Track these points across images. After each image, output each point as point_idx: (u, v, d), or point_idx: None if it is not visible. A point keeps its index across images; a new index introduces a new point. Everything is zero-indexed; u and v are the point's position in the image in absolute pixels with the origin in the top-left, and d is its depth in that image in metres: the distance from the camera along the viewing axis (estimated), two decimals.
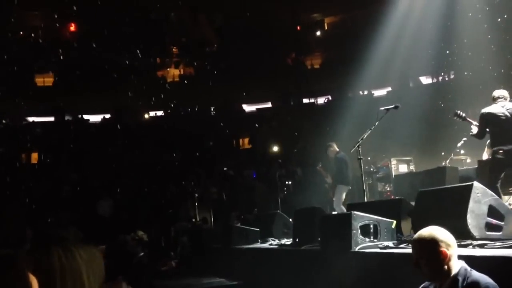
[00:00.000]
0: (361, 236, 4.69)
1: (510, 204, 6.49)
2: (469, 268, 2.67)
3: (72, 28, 24.07)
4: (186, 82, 23.93)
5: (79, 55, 21.79)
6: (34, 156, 18.41)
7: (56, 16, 22.22)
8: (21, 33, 22.78)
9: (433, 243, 2.67)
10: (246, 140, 21.76)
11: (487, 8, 12.38)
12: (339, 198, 9.32)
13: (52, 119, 21.43)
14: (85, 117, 21.59)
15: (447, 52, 14.83)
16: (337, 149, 9.76)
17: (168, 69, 25.04)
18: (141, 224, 9.51)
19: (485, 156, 8.04)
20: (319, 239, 5.47)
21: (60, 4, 20.76)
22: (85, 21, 22.75)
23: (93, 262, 1.54)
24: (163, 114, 22.55)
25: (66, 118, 21.37)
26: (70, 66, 21.81)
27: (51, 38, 22.92)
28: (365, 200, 7.20)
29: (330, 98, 22.77)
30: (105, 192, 13.41)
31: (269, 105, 24.11)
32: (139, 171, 15.41)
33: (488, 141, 7.80)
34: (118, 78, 21.13)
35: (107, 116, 21.80)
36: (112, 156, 16.72)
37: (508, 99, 6.32)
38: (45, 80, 23.07)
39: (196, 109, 22.88)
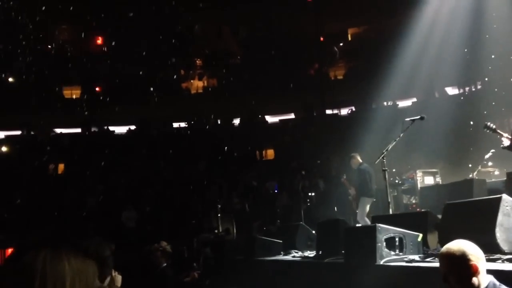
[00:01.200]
0: (386, 249, 4.60)
1: None
2: (498, 283, 2.60)
3: (99, 41, 24.66)
4: (209, 93, 24.15)
5: (106, 68, 22.28)
6: (61, 167, 18.79)
7: (83, 30, 22.83)
8: (50, 46, 23.44)
9: (462, 257, 2.62)
10: (269, 152, 21.75)
11: None
12: (363, 210, 9.23)
13: (78, 130, 21.87)
14: (111, 128, 21.97)
15: (474, 62, 14.59)
16: (360, 161, 9.68)
17: (192, 80, 25.34)
18: (165, 235, 9.56)
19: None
20: (342, 251, 5.40)
21: (88, 18, 21.33)
22: (111, 34, 23.29)
23: (83, 272, 1.57)
24: (186, 126, 22.77)
25: (92, 129, 21.78)
26: (97, 79, 22.32)
27: (79, 51, 23.52)
28: (390, 212, 7.08)
29: (354, 109, 22.61)
30: (129, 203, 13.57)
31: (292, 116, 24.09)
32: (163, 182, 15.56)
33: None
34: (143, 90, 21.50)
35: (132, 127, 22.14)
36: (137, 167, 16.94)
37: None
38: (73, 92, 23.62)
39: (220, 120, 23.04)
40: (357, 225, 8.60)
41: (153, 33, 22.15)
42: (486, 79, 15.60)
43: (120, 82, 21.83)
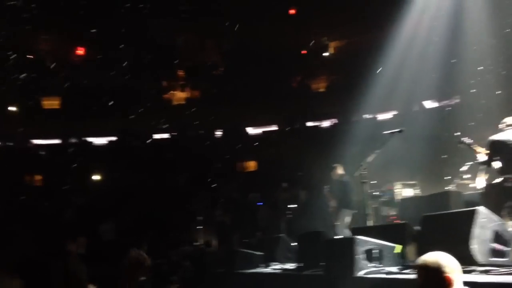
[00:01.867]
0: (365, 261, 4.63)
1: None
2: None
3: (81, 52, 24.45)
4: (192, 105, 24.09)
5: (86, 79, 22.07)
6: (38, 179, 18.47)
7: (64, 40, 22.62)
8: (29, 55, 23.15)
9: (438, 269, 2.65)
10: (251, 163, 21.75)
11: (492, 35, 12.47)
12: (344, 222, 9.25)
13: (58, 141, 21.56)
14: (91, 140, 21.71)
15: (452, 77, 14.88)
16: (342, 172, 9.71)
17: (174, 92, 25.26)
18: (144, 248, 9.44)
19: (481, 181, 7.99)
20: (322, 264, 5.41)
21: (69, 28, 21.16)
22: (93, 45, 23.12)
23: None
24: (168, 137, 22.64)
25: (72, 141, 21.50)
26: (77, 89, 22.07)
27: (59, 61, 23.26)
28: (369, 224, 7.13)
29: (335, 122, 22.81)
30: (108, 216, 13.38)
31: (274, 128, 24.17)
32: (143, 194, 15.41)
33: (481, 166, 7.77)
34: (124, 100, 21.34)
35: (113, 139, 21.92)
36: (117, 179, 16.76)
37: None
38: (52, 103, 23.31)
39: (202, 132, 22.98)
40: (337, 237, 8.62)
41: (135, 44, 22.07)
42: (470, 91, 15.90)
43: (100, 93, 21.62)
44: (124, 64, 21.54)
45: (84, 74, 22.02)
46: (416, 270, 2.80)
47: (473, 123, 12.38)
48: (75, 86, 22.10)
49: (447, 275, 2.62)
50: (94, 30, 20.60)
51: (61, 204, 14.36)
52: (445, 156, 12.82)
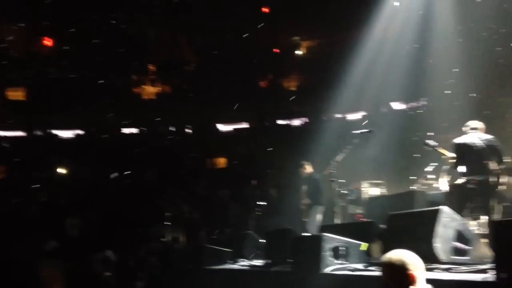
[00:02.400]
0: (331, 258, 4.70)
1: (478, 229, 6.63)
2: None
3: (48, 43, 23.81)
4: (162, 100, 23.83)
5: (54, 71, 21.53)
6: (1, 170, 17.91)
7: (32, 30, 21.99)
8: None
9: (402, 267, 2.70)
10: (222, 160, 21.70)
11: (461, 40, 12.81)
12: (316, 219, 9.25)
13: (22, 134, 20.97)
14: (57, 133, 21.20)
15: (419, 79, 15.22)
16: (311, 170, 9.70)
17: (144, 87, 24.92)
18: (110, 244, 9.29)
19: (444, 182, 8.23)
20: (290, 260, 5.46)
21: (37, 19, 20.58)
22: (62, 36, 22.55)
23: None
24: (138, 132, 22.34)
25: (37, 133, 20.93)
26: (44, 81, 21.49)
27: (26, 52, 22.60)
28: (337, 222, 7.23)
29: (306, 121, 23.01)
30: (74, 211, 13.09)
31: (245, 125, 24.18)
32: (110, 189, 15.16)
33: (445, 167, 8.00)
34: (92, 94, 20.91)
35: (80, 132, 21.45)
36: (83, 173, 16.42)
37: (483, 130, 6.48)
38: (17, 94, 22.62)
39: (172, 127, 22.77)
40: (305, 234, 8.70)
41: (105, 36, 21.65)
42: (437, 94, 16.28)
43: (68, 85, 21.11)
44: (93, 57, 21.09)
45: (52, 66, 21.47)
46: (381, 268, 2.85)
47: (439, 126, 12.68)
48: (41, 78, 21.52)
49: (410, 272, 2.67)
50: (62, 21, 20.08)
51: (25, 198, 13.96)
52: (411, 156, 13.10)
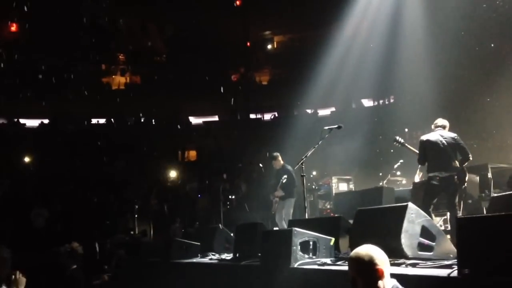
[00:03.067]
0: (300, 253, 4.74)
1: (441, 226, 6.84)
2: (401, 286, 2.77)
3: (13, 28, 23.01)
4: (132, 90, 23.45)
5: (20, 57, 20.84)
6: None
7: None
8: None
9: (369, 262, 2.74)
10: (192, 153, 21.56)
11: (428, 40, 13.08)
12: (289, 212, 9.12)
13: None
14: (22, 121, 20.59)
15: (388, 77, 15.50)
16: (282, 162, 9.58)
17: (113, 76, 24.46)
18: (76, 236, 9.13)
19: (417, 178, 8.45)
20: (259, 254, 5.48)
21: (1, 3, 19.83)
22: (28, 22, 21.82)
23: None
24: (105, 122, 21.92)
25: (1, 121, 20.27)
26: (9, 68, 20.78)
27: None
28: (306, 217, 7.31)
29: (277, 115, 23.10)
30: (39, 201, 12.78)
31: (216, 118, 24.09)
32: (77, 180, 14.85)
33: (420, 165, 8.19)
34: (59, 82, 20.37)
35: (46, 121, 20.89)
36: (48, 163, 16.02)
37: (447, 128, 6.65)
38: None
39: (141, 118, 22.45)
40: (275, 228, 8.74)
41: (73, 23, 21.09)
42: (401, 93, 16.61)
43: (34, 73, 20.49)
44: (62, 44, 20.53)
45: (17, 52, 20.78)
46: (349, 262, 2.88)
47: (408, 122, 12.96)
48: (6, 64, 20.79)
49: (378, 267, 2.72)
50: (29, 7, 19.42)
51: None
52: (380, 153, 13.36)
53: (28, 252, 8.30)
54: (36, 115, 20.82)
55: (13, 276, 3.35)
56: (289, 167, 9.23)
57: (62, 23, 20.43)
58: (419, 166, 8.08)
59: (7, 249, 3.44)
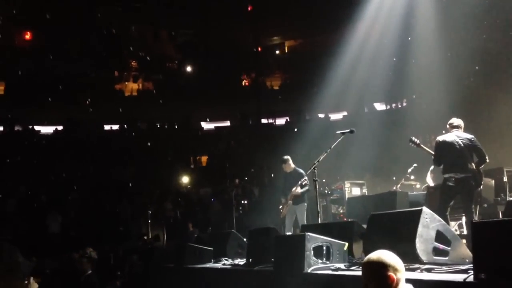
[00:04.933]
0: (314, 258, 4.71)
1: (456, 230, 6.74)
2: None
3: (28, 36, 23.38)
4: (144, 96, 23.65)
5: (34, 65, 21.15)
6: None
7: (11, 24, 21.54)
8: None
9: (380, 268, 2.70)
10: (204, 158, 21.64)
11: (440, 42, 12.99)
12: (303, 218, 8.78)
13: (0, 129, 20.56)
14: (37, 128, 20.85)
15: (401, 80, 15.42)
16: (293, 165, 9.17)
17: (126, 82, 24.69)
18: (90, 241, 9.20)
19: (429, 180, 8.34)
20: (272, 259, 5.46)
21: (16, 11, 20.18)
22: (42, 30, 22.18)
23: None
24: (118, 128, 22.11)
25: (16, 128, 20.55)
26: (24, 75, 21.10)
27: (4, 46, 22.15)
28: (319, 221, 7.27)
29: (289, 120, 23.09)
30: (54, 207, 12.91)
31: (227, 123, 24.16)
32: (91, 186, 14.98)
33: (432, 166, 8.10)
34: (73, 89, 20.62)
35: (60, 128, 21.13)
36: (63, 169, 16.18)
37: (463, 128, 6.54)
38: None
39: (153, 124, 22.60)
40: (288, 233, 8.68)
41: (87, 31, 21.36)
42: (414, 96, 16.53)
43: (49, 80, 20.76)
44: (75, 52, 20.80)
45: (31, 60, 21.09)
46: (361, 269, 2.86)
47: (421, 125, 12.85)
48: (21, 72, 21.12)
49: (390, 274, 2.68)
50: (43, 14, 19.72)
51: (3, 195, 13.70)
52: (392, 157, 13.27)
53: (43, 257, 8.38)
54: (51, 122, 21.07)
55: (26, 282, 3.39)
56: (302, 171, 9.03)
57: (75, 31, 20.72)
58: (430, 168, 7.98)
59: (21, 255, 3.49)
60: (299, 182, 8.71)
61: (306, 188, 8.69)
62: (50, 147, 18.46)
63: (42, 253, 8.58)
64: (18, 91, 20.78)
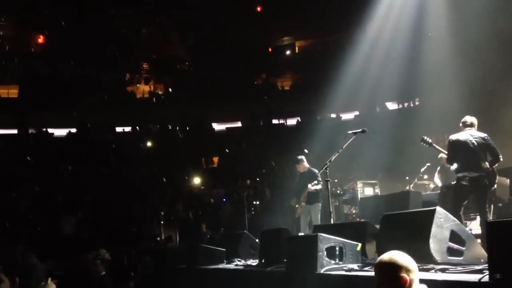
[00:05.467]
0: (326, 258, 4.69)
1: (471, 230, 6.67)
2: None
3: (41, 40, 23.66)
4: (155, 98, 23.79)
5: (47, 68, 21.40)
6: None
7: (24, 28, 21.84)
8: None
9: (393, 269, 2.68)
10: (215, 159, 21.69)
11: (453, 39, 12.88)
12: (317, 217, 8.75)
13: (15, 131, 20.81)
14: (50, 131, 21.07)
15: (413, 79, 15.30)
16: (308, 165, 9.15)
17: (137, 85, 24.86)
18: (103, 243, 9.26)
19: (437, 180, 8.25)
20: (285, 260, 5.46)
21: (29, 15, 20.44)
22: (54, 34, 22.43)
23: None
24: (131, 130, 22.26)
25: (30, 131, 20.79)
26: (37, 79, 21.35)
27: (17, 49, 22.44)
28: (331, 222, 7.24)
29: (300, 120, 23.04)
30: (67, 209, 13.03)
31: (239, 124, 24.19)
32: (104, 188, 15.10)
33: (439, 167, 8.00)
34: (85, 92, 20.81)
35: (73, 130, 21.34)
36: (76, 171, 16.33)
37: (476, 126, 6.46)
38: (10, 92, 22.45)
39: (165, 126, 22.72)
40: (300, 234, 8.66)
41: (98, 34, 21.55)
42: (426, 95, 16.38)
43: (61, 83, 20.98)
44: (86, 55, 21.00)
45: (45, 63, 21.34)
46: (374, 269, 2.84)
47: (434, 125, 12.73)
48: (34, 75, 21.38)
49: (402, 275, 2.65)
50: (55, 18, 19.95)
51: (17, 196, 13.86)
52: (405, 157, 13.16)
53: (57, 259, 8.45)
54: (64, 124, 21.28)
55: (43, 283, 3.41)
56: (316, 171, 8.95)
57: (87, 34, 20.92)
58: (438, 168, 7.90)
59: (35, 256, 3.50)
60: (310, 184, 8.68)
61: (319, 186, 8.65)
62: (63, 149, 18.64)
63: (55, 255, 8.65)
64: (31, 94, 21.04)
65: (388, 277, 2.67)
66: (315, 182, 8.65)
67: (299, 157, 9.21)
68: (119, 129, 22.36)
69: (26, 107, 20.19)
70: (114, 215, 13.32)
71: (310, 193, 8.72)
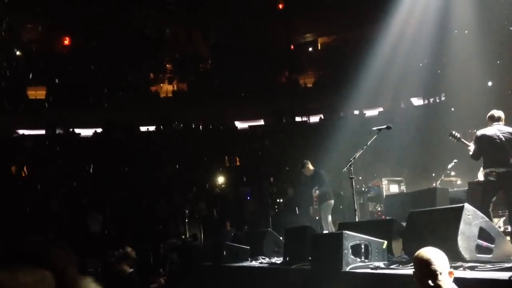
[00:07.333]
0: (352, 256, 4.66)
1: (500, 227, 6.52)
2: None
3: (67, 41, 24.13)
4: (179, 97, 23.99)
5: (73, 69, 21.82)
6: (24, 169, 18.23)
7: (50, 30, 22.30)
8: (15, 45, 22.77)
9: (427, 263, 2.76)
10: (238, 157, 21.74)
11: (478, 35, 12.61)
12: (327, 215, 9.08)
13: (43, 132, 21.30)
14: (77, 131, 21.49)
15: (439, 74, 15.04)
16: (312, 167, 9.57)
17: (161, 84, 25.12)
18: (129, 240, 9.41)
19: (480, 176, 8.07)
20: (309, 258, 5.44)
21: (55, 18, 20.86)
22: (79, 35, 22.84)
23: (40, 284, 1.50)
24: (155, 129, 22.53)
25: (57, 131, 21.24)
26: (63, 80, 21.80)
27: (44, 51, 22.94)
28: (356, 219, 7.17)
29: (323, 117, 22.90)
30: (94, 207, 13.28)
31: (261, 122, 24.19)
32: (129, 186, 15.33)
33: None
34: (111, 92, 21.14)
35: (99, 130, 21.71)
36: (102, 170, 16.62)
37: (503, 120, 6.32)
38: (37, 93, 22.99)
39: (189, 125, 22.90)
40: (324, 231, 8.64)
41: (122, 34, 21.86)
42: (452, 91, 16.09)
43: (87, 84, 21.38)
44: (110, 55, 21.32)
45: (71, 64, 21.77)
46: (421, 263, 2.85)
47: (459, 120, 12.50)
48: (60, 76, 21.82)
49: (451, 270, 2.75)
50: (80, 19, 20.32)
51: (46, 196, 14.20)
52: (431, 153, 12.96)
53: (85, 257, 8.62)
54: (90, 124, 21.68)
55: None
56: (321, 171, 9.29)
57: (112, 34, 21.24)
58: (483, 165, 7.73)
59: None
60: (314, 189, 9.19)
61: (317, 192, 9.13)
62: (90, 149, 18.99)
63: (83, 253, 8.82)
64: (58, 95, 21.49)
65: (422, 271, 2.72)
66: (316, 187, 9.18)
67: (304, 161, 9.59)
68: (143, 129, 22.64)
69: (53, 107, 20.64)
70: (139, 213, 13.52)
71: (319, 195, 9.14)
